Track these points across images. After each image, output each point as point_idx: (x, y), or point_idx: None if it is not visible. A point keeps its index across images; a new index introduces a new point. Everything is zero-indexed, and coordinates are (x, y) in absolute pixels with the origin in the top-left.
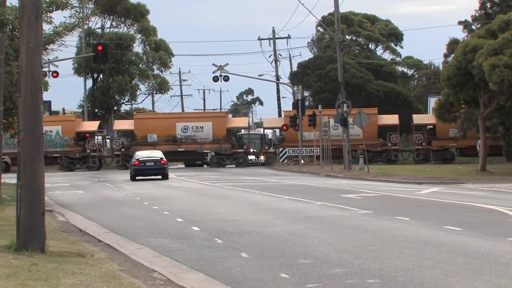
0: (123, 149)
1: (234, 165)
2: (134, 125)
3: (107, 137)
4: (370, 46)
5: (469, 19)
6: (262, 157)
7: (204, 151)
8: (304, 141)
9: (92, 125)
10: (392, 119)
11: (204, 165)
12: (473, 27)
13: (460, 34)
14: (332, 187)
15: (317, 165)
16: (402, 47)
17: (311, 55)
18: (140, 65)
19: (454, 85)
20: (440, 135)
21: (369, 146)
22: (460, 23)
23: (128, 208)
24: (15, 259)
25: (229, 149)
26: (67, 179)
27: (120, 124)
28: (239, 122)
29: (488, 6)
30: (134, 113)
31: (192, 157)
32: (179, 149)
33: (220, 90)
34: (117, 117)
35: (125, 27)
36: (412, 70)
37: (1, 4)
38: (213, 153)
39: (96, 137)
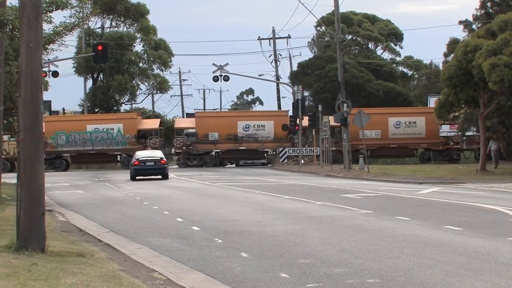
0: (184, 147)
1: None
2: (196, 124)
3: None
4: (370, 46)
5: (470, 19)
6: None
7: (265, 149)
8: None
9: (153, 123)
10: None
11: (203, 165)
12: (474, 26)
13: (461, 33)
14: (332, 187)
15: (317, 165)
16: (401, 47)
17: (311, 55)
18: (140, 65)
19: (454, 85)
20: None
21: (431, 145)
22: (460, 22)
23: (128, 208)
24: (15, 259)
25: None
26: (67, 179)
27: (182, 122)
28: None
29: (489, 6)
30: (196, 111)
31: (253, 155)
32: (240, 148)
33: (220, 90)
34: None
35: (125, 26)
36: (412, 70)
37: (1, 4)
38: (275, 152)
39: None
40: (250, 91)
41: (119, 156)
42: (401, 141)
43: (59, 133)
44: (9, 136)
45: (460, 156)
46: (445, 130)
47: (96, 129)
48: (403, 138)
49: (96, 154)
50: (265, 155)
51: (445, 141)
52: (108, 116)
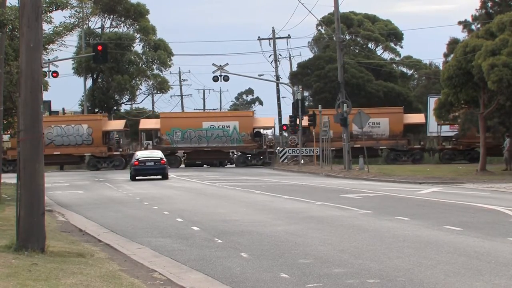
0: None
1: (411, 161)
2: (309, 122)
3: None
4: (370, 46)
5: (469, 19)
6: None
7: (380, 147)
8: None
9: (268, 122)
10: None
11: (205, 165)
12: (473, 26)
13: (461, 33)
14: (332, 187)
15: (317, 165)
16: (402, 47)
17: (311, 55)
18: (140, 65)
19: (454, 85)
20: None
21: None
22: (460, 23)
23: (128, 208)
24: (15, 259)
25: (405, 145)
26: (67, 179)
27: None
28: (415, 118)
29: (489, 6)
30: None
31: (367, 153)
32: (355, 145)
33: (220, 90)
34: (117, 117)
35: (125, 26)
36: (412, 70)
37: (1, 4)
38: (388, 149)
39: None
40: (249, 91)
41: (231, 153)
42: None
43: (175, 130)
44: (9, 135)
45: None
46: None
47: (211, 126)
48: None
49: (211, 151)
50: (379, 152)
51: None
52: (224, 114)
